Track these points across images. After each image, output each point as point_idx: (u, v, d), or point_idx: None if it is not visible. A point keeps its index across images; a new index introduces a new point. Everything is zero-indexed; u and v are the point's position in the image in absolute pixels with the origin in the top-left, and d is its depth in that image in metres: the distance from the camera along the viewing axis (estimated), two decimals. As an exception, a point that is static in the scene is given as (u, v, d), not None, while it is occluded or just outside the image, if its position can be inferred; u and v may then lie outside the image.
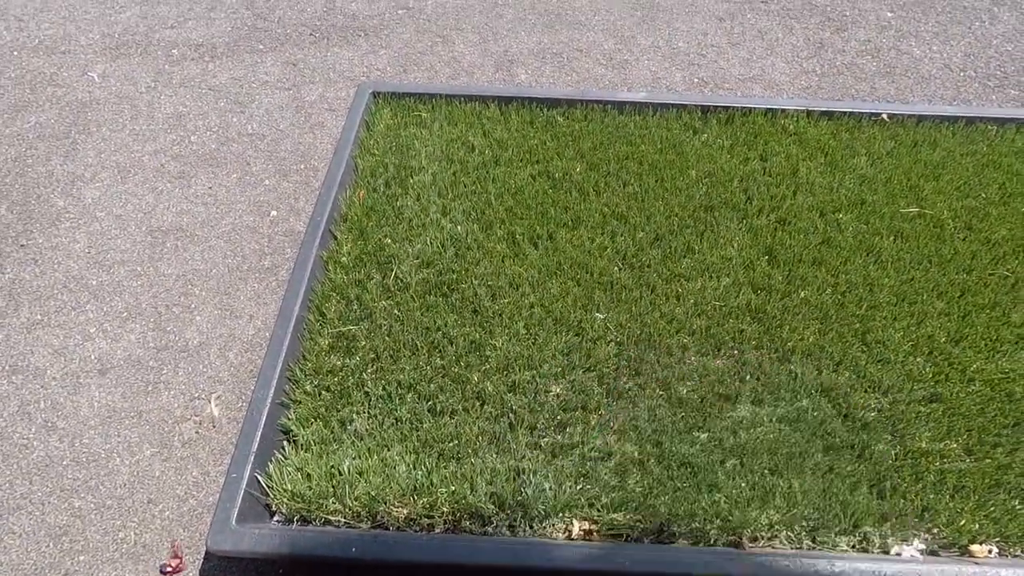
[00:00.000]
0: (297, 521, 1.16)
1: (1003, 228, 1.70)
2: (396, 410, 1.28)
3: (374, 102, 2.10)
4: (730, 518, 1.14)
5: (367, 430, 1.26)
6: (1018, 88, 2.58)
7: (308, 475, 1.17)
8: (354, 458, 1.20)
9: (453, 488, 1.15)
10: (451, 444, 1.23)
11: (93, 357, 1.62)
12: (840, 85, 2.57)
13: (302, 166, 2.15)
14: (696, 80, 2.56)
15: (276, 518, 1.20)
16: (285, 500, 1.16)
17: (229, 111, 2.40)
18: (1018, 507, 1.19)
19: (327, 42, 2.80)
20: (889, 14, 2.99)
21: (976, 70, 2.69)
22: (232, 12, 2.98)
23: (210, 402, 1.48)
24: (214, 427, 1.44)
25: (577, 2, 3.03)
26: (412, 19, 2.92)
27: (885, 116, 1.99)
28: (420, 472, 1.17)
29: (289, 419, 1.28)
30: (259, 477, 1.18)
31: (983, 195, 1.79)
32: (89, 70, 2.60)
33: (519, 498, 1.15)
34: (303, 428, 1.26)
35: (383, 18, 2.93)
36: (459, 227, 1.67)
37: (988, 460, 1.24)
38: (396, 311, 1.46)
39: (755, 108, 2.00)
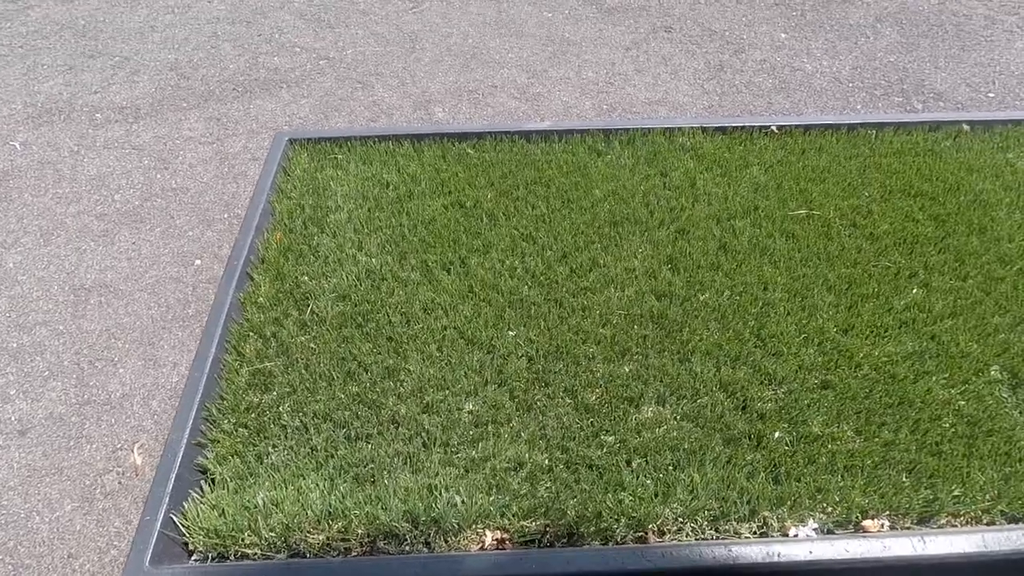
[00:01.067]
0: (214, 558, 1.16)
1: (885, 223, 1.80)
2: (311, 439, 1.29)
3: (291, 148, 2.14)
4: (635, 514, 1.17)
5: (283, 461, 1.27)
6: (901, 95, 2.75)
7: (223, 510, 1.17)
8: (269, 489, 1.21)
9: (367, 509, 1.17)
10: (365, 468, 1.24)
11: (13, 419, 1.59)
12: (739, 102, 2.70)
13: (226, 215, 2.16)
14: (605, 106, 2.67)
15: (194, 557, 1.19)
16: (201, 537, 1.16)
17: (152, 168, 2.41)
18: (904, 481, 1.25)
19: (250, 96, 2.84)
20: (783, 35, 3.16)
21: (863, 81, 2.85)
22: (156, 74, 3.00)
23: (133, 451, 1.47)
24: (137, 475, 1.42)
25: (491, 42, 3.14)
26: (332, 68, 2.98)
27: (775, 128, 2.10)
28: (334, 497, 1.18)
29: (207, 458, 1.28)
30: (174, 517, 1.18)
31: (866, 194, 1.90)
32: (11, 139, 2.59)
33: (432, 514, 1.17)
34: (220, 465, 1.26)
35: (304, 69, 2.99)
36: (374, 260, 1.70)
37: (876, 439, 1.30)
38: (312, 344, 1.47)
39: (654, 128, 2.09)
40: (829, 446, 1.30)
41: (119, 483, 1.43)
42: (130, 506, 1.35)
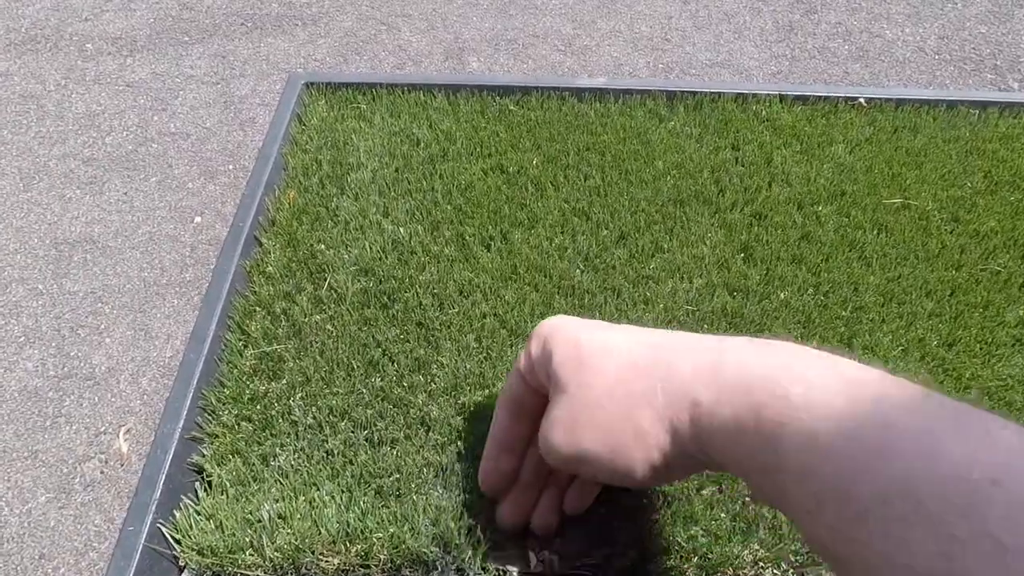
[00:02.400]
0: (209, 578, 1.03)
1: (991, 219, 1.64)
2: (327, 441, 1.16)
3: (307, 94, 1.97)
4: (710, 555, 1.05)
5: (293, 466, 1.14)
6: (994, 72, 2.56)
7: (220, 523, 1.05)
8: (276, 500, 1.08)
9: (392, 530, 1.04)
10: (390, 479, 1.12)
11: (-18, 389, 1.47)
12: (812, 69, 2.51)
13: (231, 166, 2.01)
14: (661, 66, 2.48)
15: (185, 574, 1.07)
16: (193, 555, 1.03)
17: (149, 109, 2.24)
18: None
19: (260, 32, 2.67)
20: (860, -5, 2.95)
21: (951, 53, 2.66)
22: (155, 1, 2.83)
23: (118, 436, 1.34)
24: (122, 466, 1.30)
25: (532, -15, 2.95)
26: (354, 6, 2.79)
27: (863, 100, 1.93)
28: (353, 514, 1.06)
29: (203, 456, 1.15)
30: (162, 528, 1.05)
31: (968, 184, 1.73)
32: (-10, 66, 2.43)
33: (467, 537, 1.04)
34: (218, 466, 1.13)
35: (322, 6, 2.80)
36: (402, 229, 1.55)
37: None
38: (329, 326, 1.34)
39: (725, 93, 1.92)
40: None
41: (101, 473, 1.30)
42: (113, 501, 1.22)
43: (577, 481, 0.95)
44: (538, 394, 0.82)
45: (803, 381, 0.54)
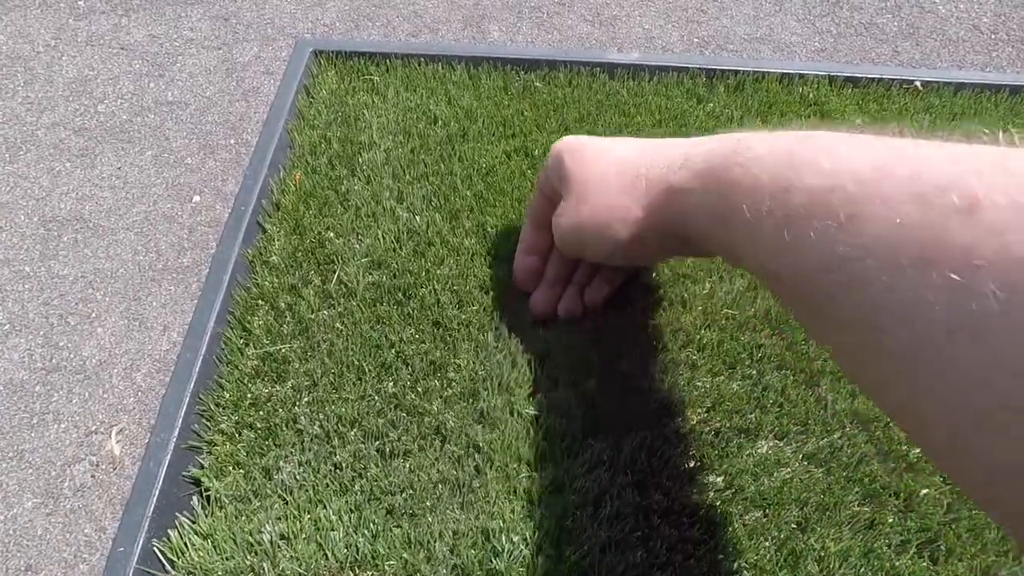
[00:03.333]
0: (206, 603, 0.99)
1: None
2: (335, 453, 1.11)
3: (315, 63, 1.89)
4: (755, 590, 0.99)
5: (298, 480, 1.09)
6: (1058, 52, 2.45)
7: (218, 544, 1.00)
8: (279, 519, 1.03)
9: (404, 556, 0.99)
10: (403, 496, 1.06)
11: (-36, 381, 1.41)
12: (858, 47, 2.41)
13: (232, 141, 1.93)
14: (696, 40, 2.38)
15: (180, 596, 1.02)
16: (190, 578, 0.98)
17: (145, 75, 2.16)
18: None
19: (265, -7, 2.58)
20: (911, -34, 2.84)
21: (1008, 33, 2.55)
22: (152, -44, 2.74)
23: (110, 437, 1.29)
24: (114, 469, 1.25)
25: (557, -51, 2.84)
26: (365, -33, 2.70)
27: (919, 84, 1.84)
28: (363, 536, 1.01)
29: (200, 468, 1.10)
30: (156, 549, 1.00)
31: (1035, 177, 1.65)
32: (-25, 25, 2.35)
33: (488, 567, 0.99)
34: (217, 480, 1.09)
35: (331, -35, 2.71)
36: (418, 217, 1.49)
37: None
38: (339, 324, 1.28)
39: (769, 73, 1.83)
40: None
41: (92, 476, 1.25)
42: (104, 508, 1.18)
43: (595, 279, 1.16)
44: (552, 203, 1.02)
45: (753, 147, 0.64)
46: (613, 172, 0.85)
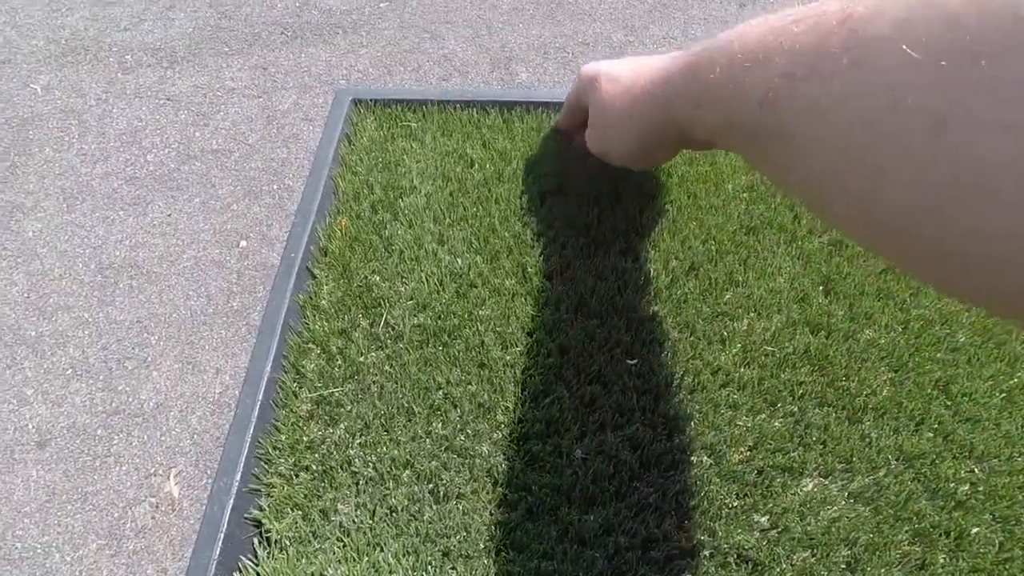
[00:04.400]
0: (271, 646, 1.01)
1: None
2: (390, 496, 1.12)
3: (355, 111, 1.94)
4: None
5: (355, 523, 1.11)
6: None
7: (282, 588, 1.02)
8: (339, 561, 1.05)
9: (463, 600, 1.00)
10: (458, 538, 1.08)
11: (31, 426, 1.45)
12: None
13: (275, 186, 1.99)
14: (720, 76, 2.40)
15: (246, 640, 1.04)
16: (255, 621, 1.00)
17: (190, 124, 2.24)
18: None
19: (301, 42, 2.65)
20: None
21: None
22: (193, 11, 2.83)
23: (169, 479, 1.32)
24: (173, 510, 1.28)
25: (581, -10, 2.89)
26: (395, 13, 2.76)
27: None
28: (421, 580, 1.02)
29: (261, 510, 1.13)
30: (223, 593, 1.02)
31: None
32: (31, 81, 2.44)
33: (543, 611, 1.00)
34: (277, 521, 1.11)
35: (363, 13, 2.78)
36: (459, 260, 1.51)
37: (1114, 543, 1.09)
38: (388, 366, 1.31)
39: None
40: (1053, 552, 1.09)
41: (152, 518, 1.28)
42: (165, 549, 1.20)
43: None
44: (583, 110, 1.26)
45: (706, 44, 0.82)
46: (621, 99, 1.05)
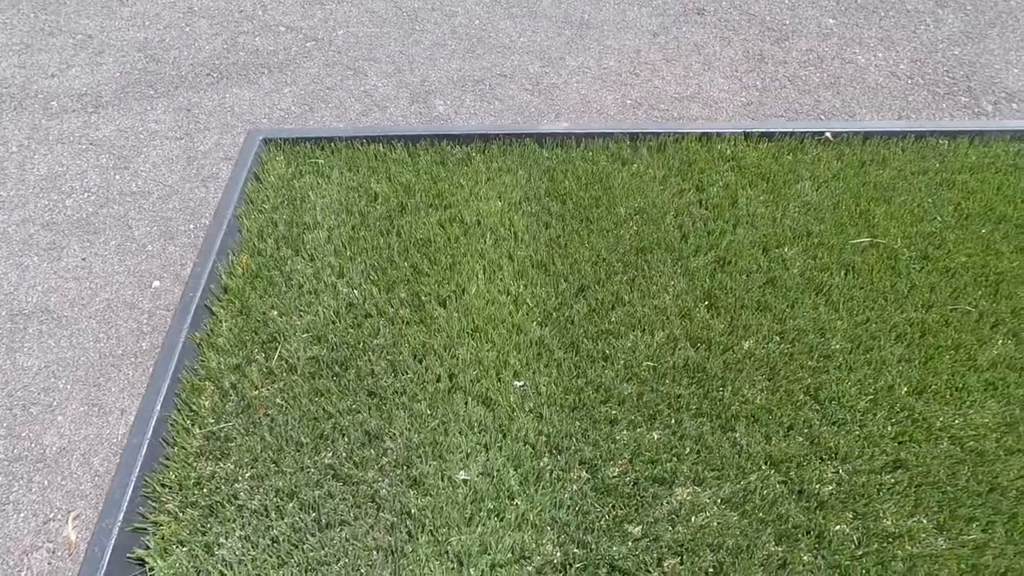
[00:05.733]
0: None
1: (961, 255, 1.63)
2: (272, 527, 1.13)
3: (265, 150, 1.97)
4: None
5: (237, 556, 1.11)
6: (968, 95, 2.56)
7: (158, 625, 1.02)
8: (218, 595, 1.05)
9: (338, 625, 1.01)
10: (339, 565, 1.09)
11: (-72, 476, 1.43)
12: (783, 99, 2.51)
13: (192, 226, 1.99)
14: (629, 101, 2.48)
15: None
16: (129, 659, 1.00)
17: (111, 168, 2.24)
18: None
19: (226, 82, 2.67)
20: (831, 21, 2.96)
21: (924, 76, 2.66)
22: (122, 55, 2.83)
23: (67, 523, 1.31)
24: (71, 554, 1.27)
25: (501, 23, 2.95)
26: (321, 51, 2.80)
27: (829, 134, 1.92)
28: (297, 607, 1.03)
29: (146, 548, 1.12)
30: (98, 632, 1.02)
31: (938, 218, 1.72)
32: (-49, 129, 2.43)
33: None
34: (161, 559, 1.11)
35: (289, 52, 2.81)
36: (356, 291, 1.54)
37: (963, 538, 1.14)
38: (280, 399, 1.32)
39: (689, 133, 1.92)
40: (906, 547, 1.13)
41: (49, 564, 1.27)
42: (58, 594, 1.20)
43: None
44: None
45: None
46: None
